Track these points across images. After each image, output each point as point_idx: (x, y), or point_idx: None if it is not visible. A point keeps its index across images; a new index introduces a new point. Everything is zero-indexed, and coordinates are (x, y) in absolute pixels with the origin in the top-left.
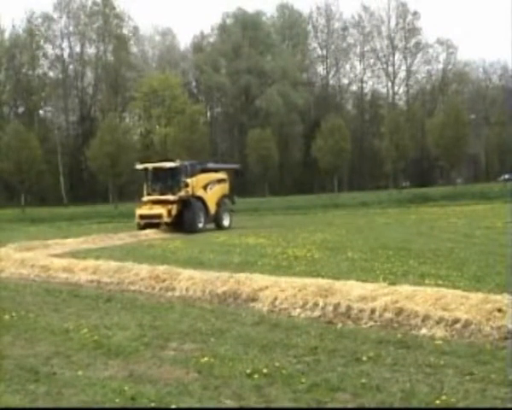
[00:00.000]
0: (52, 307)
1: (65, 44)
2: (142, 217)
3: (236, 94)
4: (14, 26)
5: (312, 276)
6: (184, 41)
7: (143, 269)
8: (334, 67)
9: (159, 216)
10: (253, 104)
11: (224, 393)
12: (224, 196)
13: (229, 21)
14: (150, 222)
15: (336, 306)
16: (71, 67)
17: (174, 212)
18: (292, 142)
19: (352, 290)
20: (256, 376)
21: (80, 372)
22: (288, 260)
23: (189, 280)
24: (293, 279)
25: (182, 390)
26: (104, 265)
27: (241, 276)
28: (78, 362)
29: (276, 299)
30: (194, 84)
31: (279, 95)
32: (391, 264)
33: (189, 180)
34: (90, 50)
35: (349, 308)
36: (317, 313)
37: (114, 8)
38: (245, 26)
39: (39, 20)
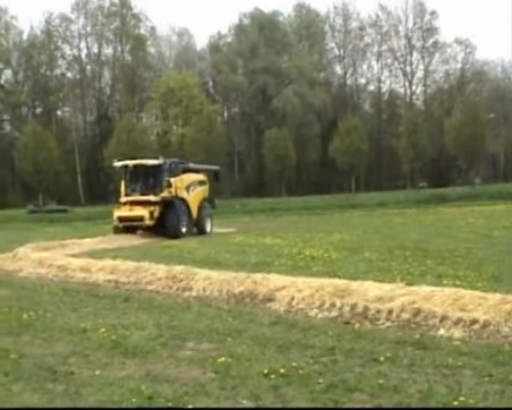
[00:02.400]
0: (70, 307)
1: (82, 45)
2: (121, 219)
3: (253, 94)
4: (32, 27)
5: (329, 276)
6: (201, 41)
7: (160, 269)
8: (352, 67)
9: (140, 218)
10: (269, 104)
11: (240, 393)
12: (204, 200)
13: (245, 21)
14: (130, 225)
15: (353, 306)
16: (88, 67)
17: (156, 214)
18: (309, 142)
19: (369, 291)
20: (273, 376)
21: (98, 372)
22: (305, 261)
23: (206, 280)
24: (310, 279)
25: (199, 390)
26: (122, 265)
27: (258, 276)
28: (96, 362)
29: (293, 299)
30: (211, 84)
31: (296, 95)
32: (408, 264)
33: (172, 180)
34: (108, 51)
35: (366, 309)
36: (334, 313)
37: (132, 8)
38: (262, 26)
39: (57, 20)
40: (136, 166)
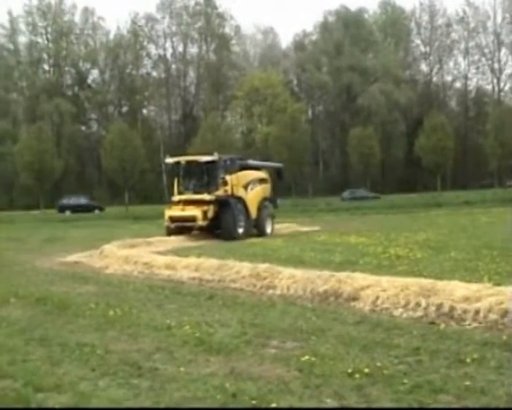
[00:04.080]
0: (155, 304)
1: (168, 44)
2: (172, 219)
3: (338, 92)
4: (118, 27)
5: (414, 275)
6: (286, 39)
7: (244, 267)
8: (438, 64)
9: (192, 219)
10: (354, 102)
11: (324, 392)
12: (265, 199)
13: (331, 19)
14: (182, 226)
15: (439, 306)
16: (173, 66)
17: (210, 214)
18: (394, 140)
19: (455, 291)
20: (357, 375)
21: (182, 368)
22: (390, 260)
23: (290, 279)
24: (395, 279)
25: (283, 388)
26: (206, 262)
27: (343, 275)
28: (180, 358)
29: (377, 298)
30: (295, 82)
31: (381, 93)
32: (496, 264)
33: (227, 177)
34: (193, 50)
35: (452, 309)
36: (419, 313)
37: (216, 7)
38: (347, 24)
39: (143, 20)
40: (189, 163)
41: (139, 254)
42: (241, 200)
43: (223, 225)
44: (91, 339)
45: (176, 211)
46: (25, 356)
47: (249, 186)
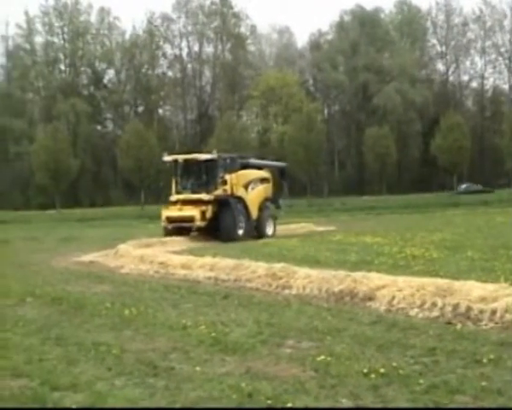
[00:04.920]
0: (170, 303)
1: (183, 44)
2: (169, 220)
3: (354, 92)
4: (134, 27)
5: (430, 275)
6: (302, 39)
7: (260, 267)
8: (454, 64)
9: (190, 219)
10: (370, 102)
11: (340, 392)
12: (266, 199)
13: (346, 18)
14: (180, 226)
15: (455, 306)
16: (189, 66)
17: (209, 214)
18: (410, 140)
19: (471, 291)
20: (373, 375)
21: (198, 368)
22: (406, 260)
23: (306, 278)
24: (411, 279)
25: (298, 388)
26: (221, 262)
27: (358, 275)
28: (196, 358)
29: (393, 298)
30: (311, 82)
31: (397, 92)
32: None
33: (227, 177)
34: (208, 49)
35: (469, 309)
36: (435, 313)
37: (232, 7)
38: (363, 23)
39: (159, 20)
40: (187, 161)
41: (154, 253)
42: (241, 200)
43: (222, 225)
44: (107, 339)
45: (173, 211)
46: (41, 355)
47: (250, 186)
